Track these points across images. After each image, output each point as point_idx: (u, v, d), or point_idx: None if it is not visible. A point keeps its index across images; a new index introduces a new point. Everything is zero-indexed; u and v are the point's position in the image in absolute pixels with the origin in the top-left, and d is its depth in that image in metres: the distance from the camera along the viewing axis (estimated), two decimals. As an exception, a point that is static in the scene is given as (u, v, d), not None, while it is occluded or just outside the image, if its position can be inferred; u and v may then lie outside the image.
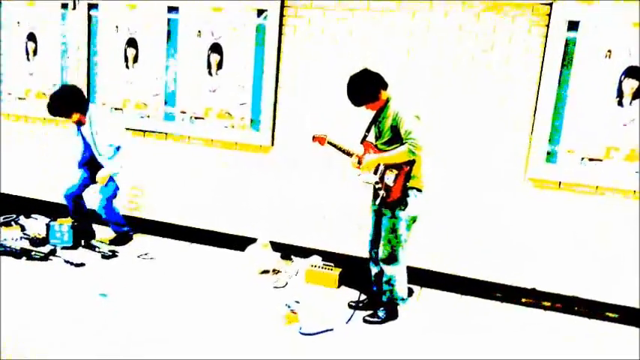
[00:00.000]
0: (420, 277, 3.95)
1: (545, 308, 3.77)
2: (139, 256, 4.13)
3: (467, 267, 3.90)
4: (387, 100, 3.17)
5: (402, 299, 3.33)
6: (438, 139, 3.75)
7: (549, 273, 3.73)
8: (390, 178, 3.12)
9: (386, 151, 3.13)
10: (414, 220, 3.22)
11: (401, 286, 3.30)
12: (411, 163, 3.06)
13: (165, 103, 4.56)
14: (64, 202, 4.45)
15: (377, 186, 3.18)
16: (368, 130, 3.29)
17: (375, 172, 3.18)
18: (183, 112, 4.52)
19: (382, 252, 3.24)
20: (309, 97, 4.15)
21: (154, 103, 4.59)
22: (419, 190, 3.17)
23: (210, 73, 4.38)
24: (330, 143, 3.37)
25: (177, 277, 3.82)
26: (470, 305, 3.76)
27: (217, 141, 4.45)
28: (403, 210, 3.13)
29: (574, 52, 3.47)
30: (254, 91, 4.27)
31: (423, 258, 3.96)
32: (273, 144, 4.30)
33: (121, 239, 4.39)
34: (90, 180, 4.35)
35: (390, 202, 3.13)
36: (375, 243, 3.37)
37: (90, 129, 4.13)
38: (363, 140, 3.30)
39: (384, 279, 3.28)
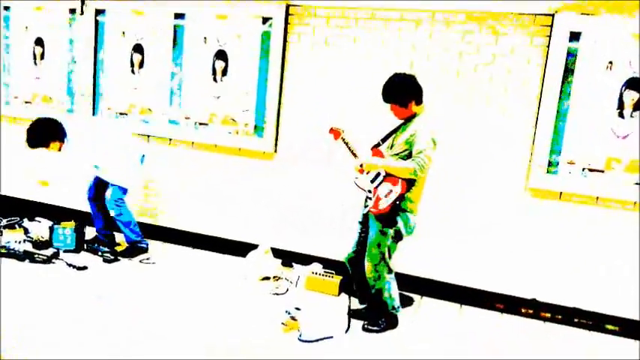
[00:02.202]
0: (420, 286, 3.97)
1: (545, 320, 3.77)
2: (140, 261, 4.17)
3: (467, 277, 3.90)
4: (414, 115, 3.15)
5: (394, 309, 3.34)
6: (438, 148, 3.72)
7: (550, 284, 3.72)
8: (384, 189, 3.10)
9: None
10: (399, 239, 3.23)
11: (391, 296, 3.31)
12: (409, 182, 3.05)
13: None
14: (68, 205, 4.52)
15: (368, 195, 3.19)
16: (384, 139, 3.25)
17: (373, 180, 3.18)
18: (188, 118, 4.57)
19: (367, 270, 3.25)
20: (312, 104, 4.17)
21: (159, 108, 4.65)
22: (410, 212, 3.16)
23: (215, 80, 4.43)
24: (343, 140, 3.31)
25: (177, 282, 3.83)
26: (470, 315, 3.77)
27: (221, 147, 4.48)
28: (391, 229, 3.15)
29: (575, 64, 3.50)
30: (258, 97, 4.31)
31: (424, 267, 3.97)
32: (276, 150, 4.33)
33: (133, 251, 4.28)
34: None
35: (377, 216, 3.13)
36: (357, 254, 3.37)
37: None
38: (375, 147, 3.26)
39: (372, 291, 3.30)
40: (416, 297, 3.93)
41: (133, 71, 4.70)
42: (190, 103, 4.56)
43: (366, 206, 3.26)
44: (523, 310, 3.81)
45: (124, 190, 4.22)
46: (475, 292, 3.89)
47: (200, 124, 4.54)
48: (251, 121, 4.38)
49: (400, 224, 3.17)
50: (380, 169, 3.14)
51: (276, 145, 4.33)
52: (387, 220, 3.14)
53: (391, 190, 3.07)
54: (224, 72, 4.39)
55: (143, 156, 4.30)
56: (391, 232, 3.17)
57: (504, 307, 3.84)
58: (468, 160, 3.81)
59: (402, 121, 3.19)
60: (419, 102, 3.16)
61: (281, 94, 4.25)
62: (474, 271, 3.88)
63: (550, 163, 3.63)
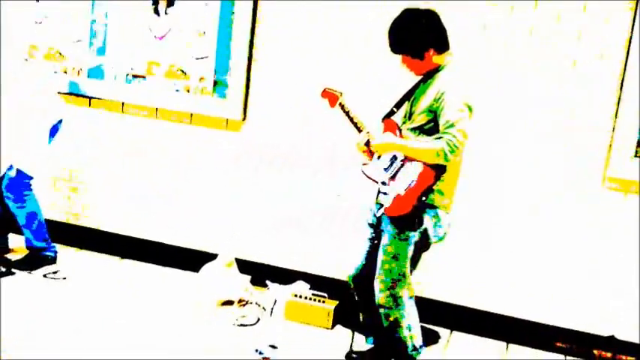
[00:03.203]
0: (449, 316, 3.99)
1: None
2: (45, 275, 4.12)
3: (516, 304, 3.91)
4: (438, 69, 3.13)
5: (415, 350, 3.28)
6: (482, 128, 3.68)
7: (634, 315, 3.71)
8: (402, 181, 3.07)
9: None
10: (426, 246, 3.23)
11: (411, 332, 3.26)
12: (439, 169, 3.01)
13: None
14: None
15: (382, 189, 3.17)
16: (398, 105, 3.24)
17: (387, 168, 3.16)
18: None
19: (380, 293, 3.20)
20: (300, 49, 4.13)
21: (74, 52, 4.58)
22: (442, 209, 3.16)
23: (157, 12, 4.39)
24: (341, 106, 3.33)
25: (96, 308, 3.77)
26: (521, 358, 3.82)
27: (164, 111, 4.44)
28: (415, 232, 3.11)
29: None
30: (220, 39, 4.28)
31: (455, 290, 3.98)
32: (245, 118, 4.29)
33: (34, 260, 4.25)
34: None
35: (394, 218, 3.11)
36: (366, 270, 3.36)
37: None
38: (387, 117, 3.25)
39: (386, 323, 3.27)
40: (443, 331, 3.95)
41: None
42: (120, 45, 4.51)
43: (378, 203, 3.21)
44: (596, 352, 3.83)
45: (28, 176, 4.18)
46: (527, 326, 3.90)
47: (134, 76, 4.50)
48: (209, 73, 4.34)
49: (428, 224, 3.10)
50: (395, 151, 3.12)
51: (245, 109, 4.29)
52: (410, 221, 3.07)
53: (412, 181, 3.05)
54: (170, 1, 4.37)
55: (59, 122, 4.20)
56: (415, 236, 3.11)
57: (569, 346, 3.86)
58: (519, 140, 3.82)
59: (421, 77, 3.20)
60: (441, 49, 3.13)
61: (253, 35, 4.20)
62: (525, 297, 3.89)
63: (640, 144, 3.70)
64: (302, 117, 4.15)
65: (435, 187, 3.06)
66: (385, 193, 3.14)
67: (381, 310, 3.22)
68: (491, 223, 3.88)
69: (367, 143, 3.23)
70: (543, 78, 3.74)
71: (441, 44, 3.11)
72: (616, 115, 3.61)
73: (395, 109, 3.25)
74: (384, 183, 3.15)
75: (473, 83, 3.25)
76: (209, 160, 4.40)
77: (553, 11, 3.67)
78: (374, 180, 3.20)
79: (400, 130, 3.20)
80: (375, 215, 3.29)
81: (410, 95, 3.22)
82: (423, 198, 3.04)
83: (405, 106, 3.26)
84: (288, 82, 4.16)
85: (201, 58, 4.32)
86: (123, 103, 4.49)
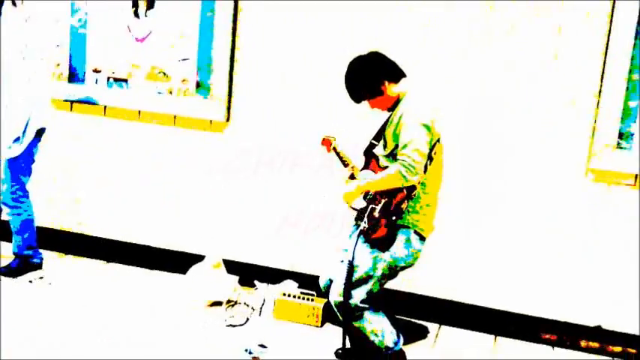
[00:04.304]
0: (438, 310, 4.00)
1: (614, 355, 3.82)
2: (30, 281, 4.13)
3: (504, 297, 3.94)
4: (399, 99, 3.23)
5: (389, 349, 3.30)
6: (462, 123, 3.79)
7: (620, 306, 3.75)
8: (378, 206, 3.15)
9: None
10: (394, 267, 3.21)
11: (379, 336, 3.30)
12: (409, 189, 3.07)
13: (71, 57, 4.56)
14: None
15: (361, 215, 3.24)
16: (377, 138, 3.33)
17: (366, 196, 3.26)
18: (97, 71, 4.51)
19: (333, 293, 3.23)
20: (281, 50, 4.13)
21: (54, 56, 4.55)
22: (417, 234, 3.17)
23: (137, 15, 4.38)
24: (335, 150, 3.46)
25: (82, 312, 3.75)
26: (509, 351, 3.83)
27: (147, 113, 4.43)
28: (383, 252, 3.16)
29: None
30: (201, 40, 4.29)
31: (443, 284, 3.98)
32: (229, 119, 4.30)
33: (20, 267, 4.23)
34: None
35: (373, 239, 3.17)
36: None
37: None
38: (368, 150, 3.33)
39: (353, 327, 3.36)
40: (432, 326, 3.96)
41: (14, 2, 4.46)
42: (101, 48, 4.51)
43: (357, 226, 3.27)
44: (583, 343, 3.87)
45: (29, 170, 4.14)
46: (515, 319, 3.94)
47: (115, 79, 4.50)
48: (191, 75, 4.36)
49: (398, 247, 3.14)
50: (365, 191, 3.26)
51: (229, 110, 4.29)
52: (382, 243, 3.14)
53: (385, 203, 3.13)
54: (150, 3, 4.36)
55: (43, 130, 4.15)
56: (383, 259, 3.16)
57: (556, 338, 3.91)
58: (502, 133, 3.84)
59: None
60: (395, 79, 3.25)
61: (235, 36, 4.20)
62: (512, 290, 3.92)
63: (622, 135, 3.66)
64: (285, 118, 4.18)
65: (409, 208, 3.11)
66: (361, 219, 3.21)
67: (338, 313, 3.29)
68: (476, 217, 3.90)
69: (352, 177, 3.33)
70: (524, 70, 3.76)
71: (393, 74, 3.22)
72: (597, 107, 3.64)
73: (374, 142, 3.33)
74: (361, 211, 3.23)
75: (438, 97, 3.41)
76: (193, 162, 4.39)
77: (533, 7, 3.70)
78: (359, 210, 3.29)
79: (378, 161, 3.27)
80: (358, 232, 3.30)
81: (385, 126, 3.31)
82: (394, 218, 3.08)
83: (383, 137, 3.34)
84: (271, 82, 4.17)
85: (183, 59, 4.34)
86: (105, 107, 4.47)
